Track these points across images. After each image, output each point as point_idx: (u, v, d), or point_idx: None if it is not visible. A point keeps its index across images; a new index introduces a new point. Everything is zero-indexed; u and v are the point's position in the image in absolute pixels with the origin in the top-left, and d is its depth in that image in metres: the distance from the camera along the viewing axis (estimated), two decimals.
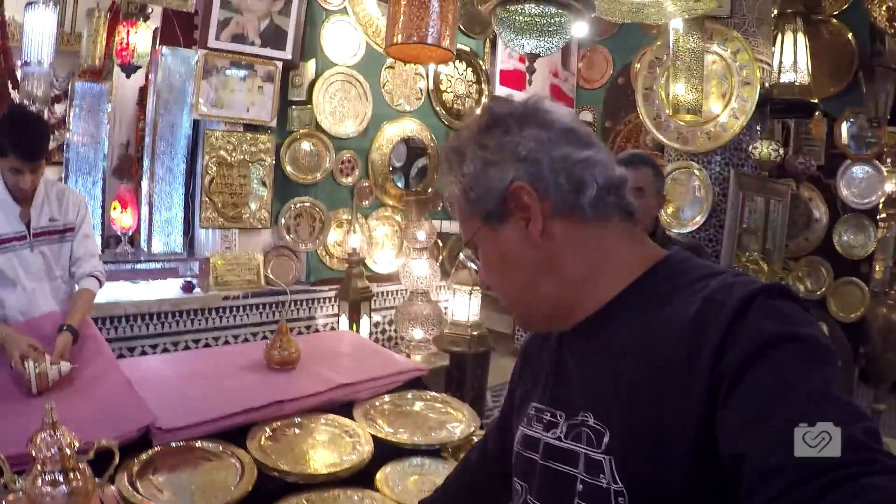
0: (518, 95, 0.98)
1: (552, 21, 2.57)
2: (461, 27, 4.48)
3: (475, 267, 1.00)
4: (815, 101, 4.11)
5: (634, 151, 2.69)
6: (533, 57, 2.71)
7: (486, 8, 2.76)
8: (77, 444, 1.44)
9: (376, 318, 4.29)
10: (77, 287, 2.62)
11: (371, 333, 4.09)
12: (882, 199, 4.98)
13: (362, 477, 1.86)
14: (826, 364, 0.69)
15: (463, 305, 3.96)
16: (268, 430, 2.01)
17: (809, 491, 0.58)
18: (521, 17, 2.55)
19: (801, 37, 4.05)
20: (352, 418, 2.14)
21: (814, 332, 0.72)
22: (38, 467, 1.40)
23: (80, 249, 2.64)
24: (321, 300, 4.10)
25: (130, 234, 3.89)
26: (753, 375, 0.68)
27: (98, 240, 3.82)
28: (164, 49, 3.76)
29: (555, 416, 0.94)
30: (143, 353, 3.41)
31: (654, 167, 2.51)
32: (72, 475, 1.41)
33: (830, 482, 0.58)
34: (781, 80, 3.96)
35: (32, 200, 2.50)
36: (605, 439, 0.82)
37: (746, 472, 0.64)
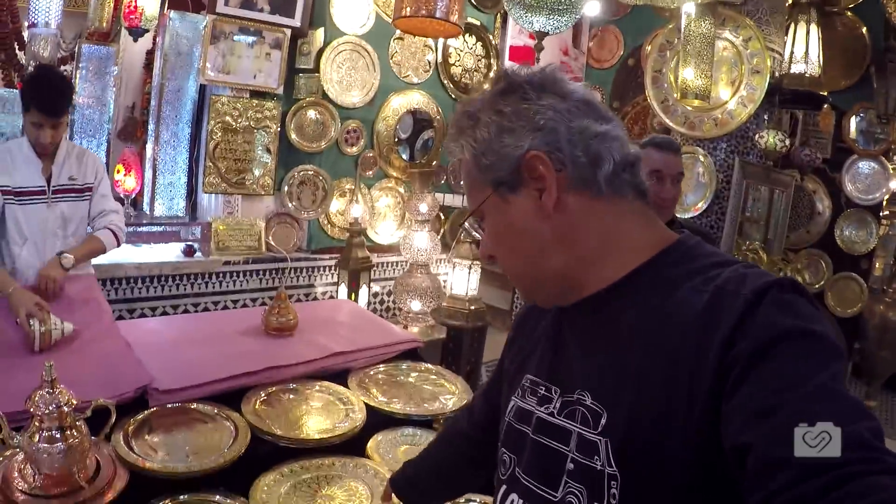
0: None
1: None
2: (472, 1, 4.45)
3: (479, 236, 0.96)
4: (825, 93, 4.11)
5: (667, 137, 2.65)
6: (542, 35, 2.69)
7: None
8: (75, 403, 1.46)
9: (375, 288, 4.32)
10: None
11: (370, 304, 4.12)
12: (886, 196, 4.98)
13: (354, 444, 1.89)
14: (835, 362, 0.68)
15: (462, 279, 3.97)
16: (263, 394, 2.03)
17: (811, 488, 0.58)
18: None
19: (814, 28, 4.02)
20: (346, 386, 2.16)
21: (824, 329, 0.71)
22: (36, 424, 1.42)
23: (97, 207, 2.75)
24: (321, 268, 4.12)
25: (133, 196, 3.90)
26: (763, 367, 0.67)
27: None
28: (173, 13, 3.74)
29: (549, 390, 0.92)
30: (143, 315, 3.44)
31: None
32: (69, 432, 1.44)
33: (835, 479, 0.57)
34: (792, 71, 3.95)
35: (55, 158, 2.61)
36: (603, 420, 0.81)
37: (751, 464, 0.63)
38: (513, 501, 0.93)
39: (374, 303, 4.36)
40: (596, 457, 0.80)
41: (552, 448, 0.87)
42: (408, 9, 2.48)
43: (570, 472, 0.84)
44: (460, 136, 0.92)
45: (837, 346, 0.70)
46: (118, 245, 2.76)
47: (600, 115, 0.88)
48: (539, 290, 0.96)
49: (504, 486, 0.96)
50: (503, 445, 1.00)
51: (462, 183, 1.00)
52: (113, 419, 1.58)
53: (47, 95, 2.47)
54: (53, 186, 2.62)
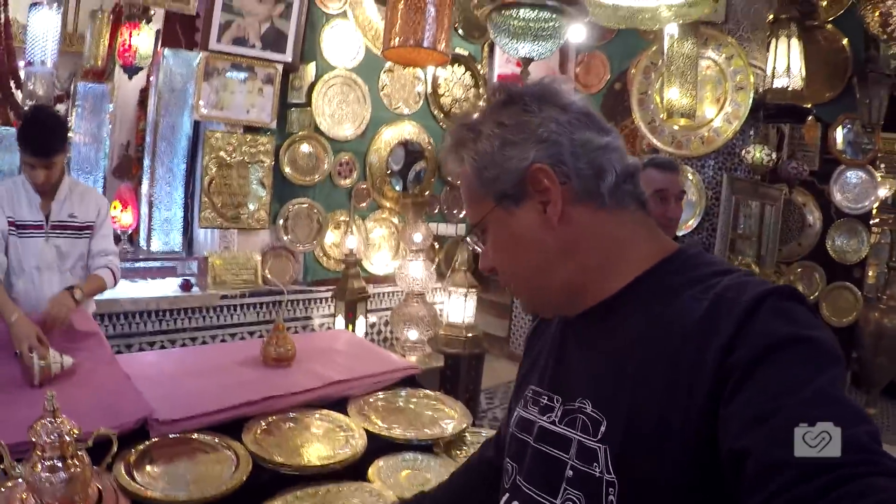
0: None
1: (546, 26, 2.61)
2: (460, 31, 4.53)
3: (480, 250, 0.93)
4: (808, 105, 4.15)
5: (667, 157, 2.68)
6: (527, 61, 2.75)
7: (481, 13, 2.80)
8: (76, 432, 1.45)
9: (372, 318, 4.33)
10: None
11: (367, 334, 4.13)
12: (875, 205, 5.02)
13: (356, 470, 1.88)
14: (833, 367, 0.68)
15: (458, 307, 3.99)
16: (263, 423, 2.02)
17: (811, 488, 0.58)
18: (515, 22, 2.59)
19: (794, 42, 4.08)
20: (346, 414, 2.17)
21: (823, 336, 0.72)
22: (38, 454, 1.41)
23: (97, 246, 2.79)
24: (318, 300, 4.14)
25: (130, 232, 3.93)
26: (761, 374, 0.68)
27: None
28: (166, 51, 3.80)
29: (552, 399, 0.93)
30: (141, 349, 3.45)
31: None
32: (70, 462, 1.42)
33: (833, 481, 0.58)
34: (774, 86, 3.99)
35: (55, 195, 2.67)
36: (602, 428, 0.81)
37: (749, 468, 0.63)
38: None
39: (372, 333, 4.37)
40: (595, 464, 0.81)
41: (552, 456, 0.88)
42: (396, 39, 2.52)
43: (570, 480, 0.84)
44: (460, 148, 0.92)
45: (836, 351, 0.71)
46: (115, 285, 2.81)
47: (600, 127, 0.89)
48: (543, 302, 0.97)
49: (506, 495, 0.97)
50: (507, 455, 1.01)
51: (462, 195, 0.99)
52: (114, 448, 1.57)
53: (39, 137, 2.53)
54: (52, 222, 2.67)
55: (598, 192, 0.87)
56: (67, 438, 1.43)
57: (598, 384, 0.85)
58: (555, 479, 0.86)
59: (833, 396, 0.65)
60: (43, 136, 2.53)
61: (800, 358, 0.68)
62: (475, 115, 0.93)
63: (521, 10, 2.57)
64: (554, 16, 2.60)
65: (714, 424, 0.70)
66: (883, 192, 5.02)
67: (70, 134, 3.84)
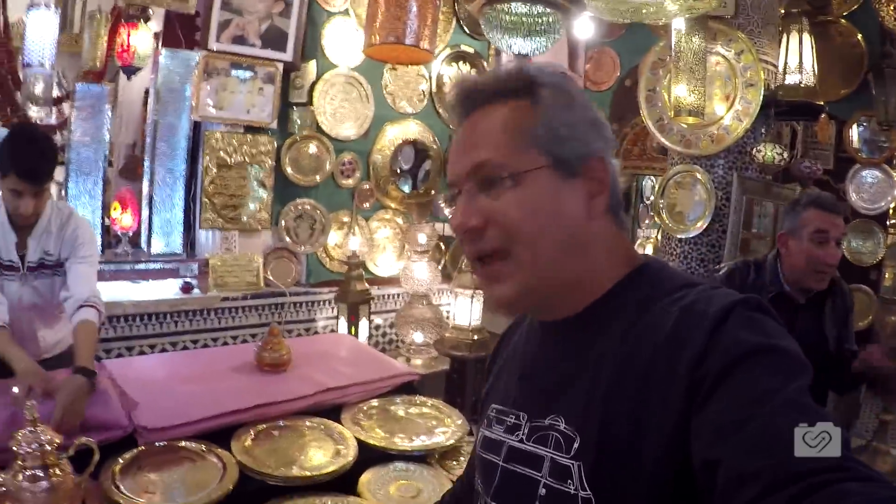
0: None
1: (540, 21, 2.54)
2: (465, 28, 4.47)
3: (462, 201, 0.90)
4: (821, 103, 4.05)
5: (829, 196, 2.51)
6: (522, 58, 2.68)
7: (473, 7, 2.73)
8: (58, 441, 1.47)
9: (377, 320, 4.27)
10: (73, 320, 2.28)
11: (371, 336, 4.07)
12: (893, 205, 4.90)
13: (346, 481, 1.85)
14: (801, 376, 0.70)
15: (465, 309, 3.93)
16: (252, 432, 2.00)
17: (783, 497, 0.58)
18: (508, 17, 2.52)
19: (806, 37, 3.98)
20: (339, 422, 2.13)
21: (790, 345, 0.73)
22: (19, 463, 1.42)
23: (73, 275, 2.39)
24: (320, 302, 4.08)
25: (131, 234, 3.90)
26: (731, 383, 0.69)
27: (99, 239, 3.83)
28: (164, 51, 3.76)
29: (518, 417, 0.93)
30: (142, 352, 3.42)
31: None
32: (52, 471, 1.44)
33: (806, 488, 0.58)
34: (786, 82, 3.90)
35: (33, 229, 2.36)
36: (575, 445, 0.81)
37: (721, 477, 0.64)
38: None
39: (376, 335, 4.32)
40: (569, 480, 0.81)
41: (524, 475, 0.87)
42: (376, 36, 2.47)
43: (542, 498, 0.84)
44: (539, 83, 0.89)
45: (803, 360, 0.72)
46: (100, 320, 2.36)
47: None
48: (533, 289, 0.89)
49: None
50: (477, 476, 1.00)
51: (487, 128, 0.89)
52: (96, 457, 1.57)
53: (30, 158, 2.19)
54: (28, 264, 2.37)
55: (617, 201, 0.91)
56: (48, 448, 1.45)
57: (570, 400, 0.85)
58: (527, 498, 0.86)
59: (801, 405, 0.66)
60: (36, 159, 2.19)
61: (768, 368, 0.69)
62: (570, 79, 0.94)
63: (513, 5, 2.49)
64: (547, 10, 2.52)
65: (687, 435, 0.71)
66: None
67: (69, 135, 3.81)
